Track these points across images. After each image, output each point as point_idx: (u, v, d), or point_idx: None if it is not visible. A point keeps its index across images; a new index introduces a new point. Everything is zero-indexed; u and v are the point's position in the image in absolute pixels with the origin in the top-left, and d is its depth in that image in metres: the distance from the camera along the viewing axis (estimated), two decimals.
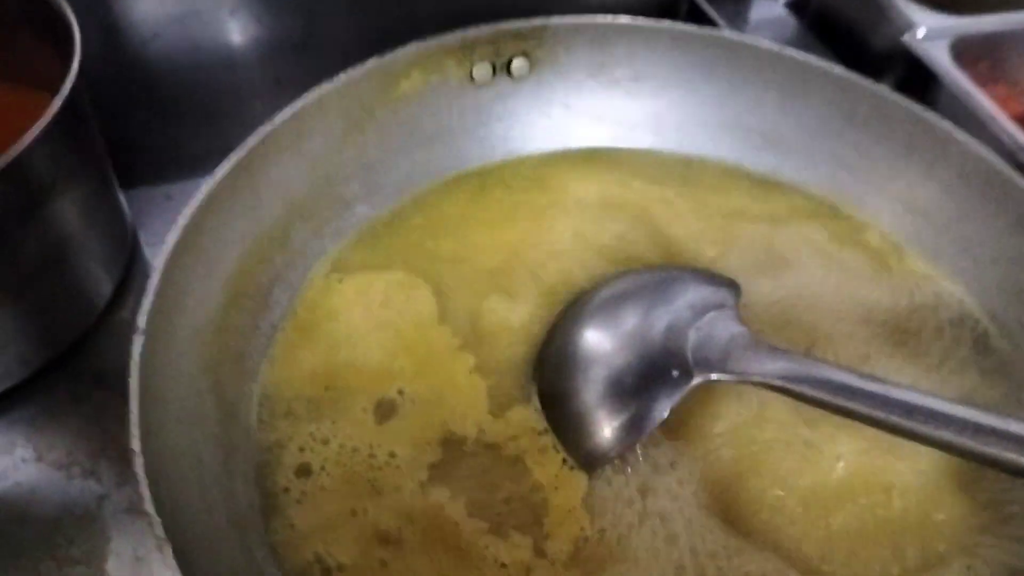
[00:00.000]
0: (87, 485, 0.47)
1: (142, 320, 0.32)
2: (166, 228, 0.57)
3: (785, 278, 0.45)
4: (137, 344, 0.31)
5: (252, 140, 0.40)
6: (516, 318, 0.42)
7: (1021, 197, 0.43)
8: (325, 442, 0.37)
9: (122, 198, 0.57)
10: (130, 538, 0.45)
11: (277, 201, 0.42)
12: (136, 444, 0.29)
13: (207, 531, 0.31)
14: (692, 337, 0.38)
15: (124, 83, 0.58)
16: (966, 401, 0.38)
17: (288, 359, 0.40)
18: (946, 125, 0.45)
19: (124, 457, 0.48)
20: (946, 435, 0.32)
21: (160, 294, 0.34)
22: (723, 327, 0.38)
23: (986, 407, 0.32)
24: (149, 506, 0.27)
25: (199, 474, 0.33)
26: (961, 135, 0.44)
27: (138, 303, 0.56)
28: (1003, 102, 0.70)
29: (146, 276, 0.57)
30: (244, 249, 0.40)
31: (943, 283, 0.45)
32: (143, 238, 0.59)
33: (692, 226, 0.47)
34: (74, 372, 0.51)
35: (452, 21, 0.51)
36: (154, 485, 0.28)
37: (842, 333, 0.42)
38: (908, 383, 0.39)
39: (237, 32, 0.59)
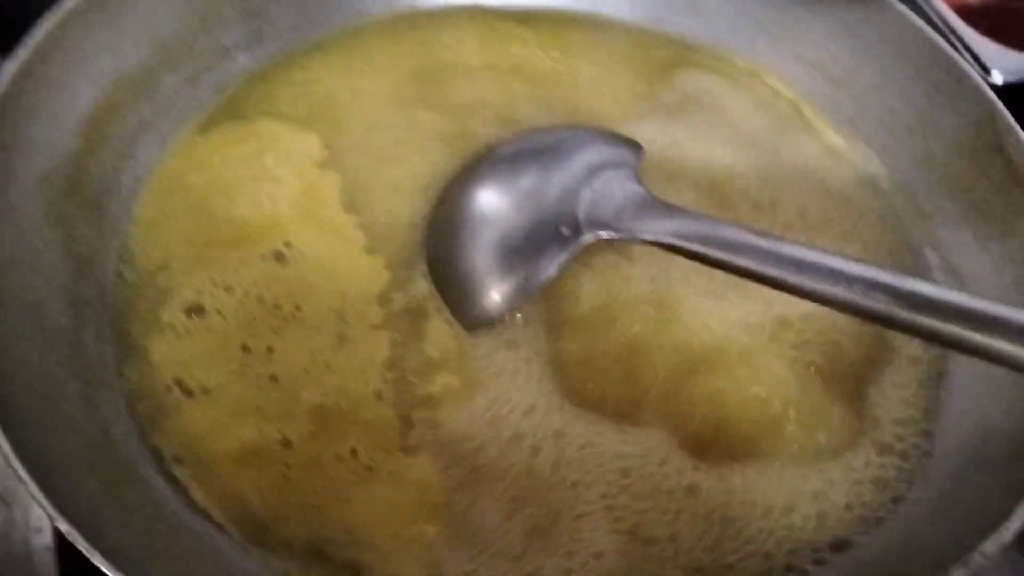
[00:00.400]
0: None
1: None
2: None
3: (688, 132, 0.43)
4: None
5: None
6: (408, 177, 0.39)
7: (939, 60, 0.41)
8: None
9: None
10: None
11: (143, 40, 0.38)
12: None
13: (46, 384, 0.29)
14: (586, 196, 0.36)
15: None
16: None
17: (157, 214, 0.37)
18: None
19: None
20: (839, 292, 0.30)
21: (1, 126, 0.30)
22: (619, 186, 0.36)
23: (880, 265, 0.31)
24: None
25: (39, 325, 0.30)
26: None
27: None
28: None
29: None
30: (103, 90, 0.36)
31: (853, 149, 0.43)
32: None
33: (599, 89, 0.44)
34: None
35: None
36: None
37: (748, 202, 0.40)
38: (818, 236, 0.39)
39: None
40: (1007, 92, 0.54)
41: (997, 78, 0.54)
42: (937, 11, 0.58)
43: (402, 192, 0.39)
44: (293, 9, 0.43)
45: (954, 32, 0.57)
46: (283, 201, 0.37)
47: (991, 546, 0.26)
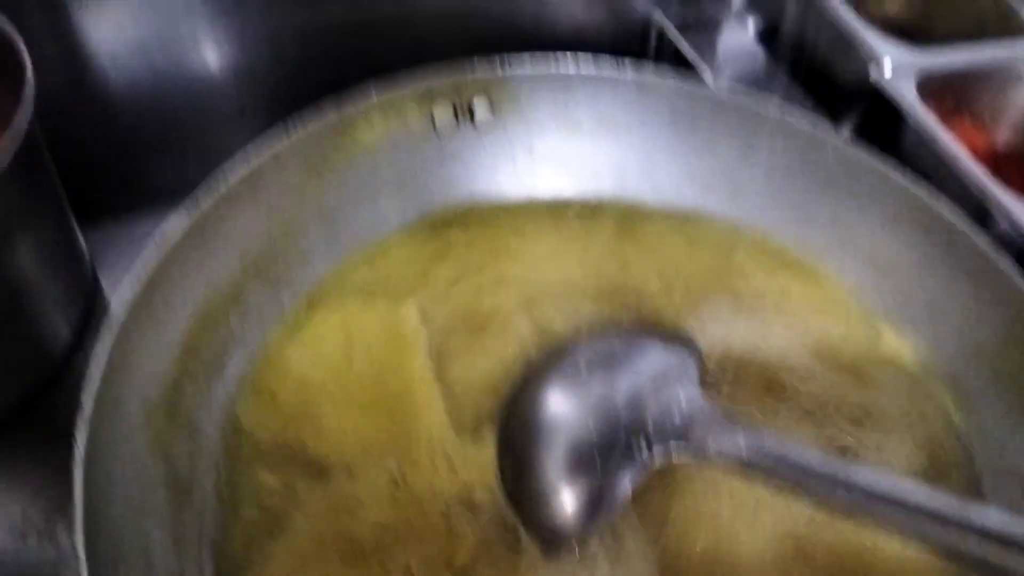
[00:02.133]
0: (43, 549, 0.45)
1: (88, 404, 0.31)
2: (127, 268, 0.56)
3: (747, 325, 0.45)
4: (81, 435, 0.30)
5: (205, 200, 0.38)
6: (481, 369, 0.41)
7: (978, 254, 0.43)
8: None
9: (81, 238, 0.55)
10: None
11: (232, 257, 0.40)
12: (81, 549, 0.28)
13: None
14: (653, 411, 0.37)
15: (81, 114, 0.56)
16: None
17: (249, 430, 0.39)
18: (908, 181, 0.45)
19: None
20: (910, 522, 0.31)
21: (107, 376, 0.32)
22: (684, 397, 0.38)
23: (949, 493, 0.32)
24: None
25: (147, 561, 0.32)
26: (923, 192, 0.44)
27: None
28: (968, 136, 0.70)
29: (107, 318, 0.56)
30: (197, 310, 0.39)
31: (903, 339, 0.45)
32: (103, 278, 0.57)
33: (655, 276, 0.47)
34: (31, 426, 0.49)
35: (414, 56, 0.50)
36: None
37: (805, 395, 0.42)
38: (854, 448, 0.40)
39: (200, 61, 0.57)
40: None
41: None
42: (969, 173, 0.61)
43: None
44: (365, 210, 0.46)
45: (986, 193, 0.59)
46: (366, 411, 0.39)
47: None
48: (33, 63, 0.41)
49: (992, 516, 0.30)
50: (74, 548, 0.44)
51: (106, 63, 0.55)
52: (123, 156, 0.59)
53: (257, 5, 0.54)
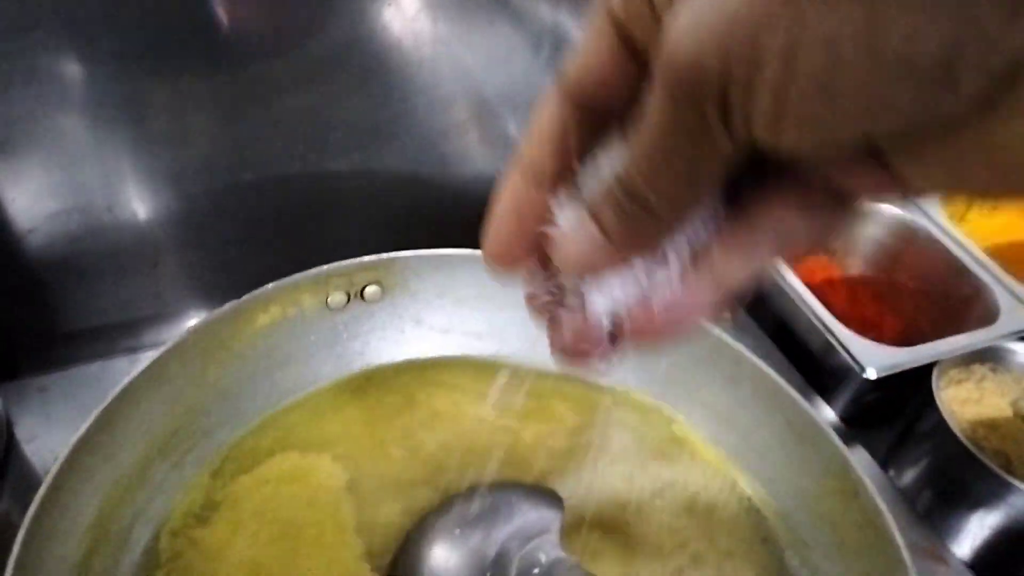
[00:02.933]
0: None
1: None
2: (42, 422, 0.59)
3: (608, 473, 0.51)
4: None
5: (111, 395, 0.43)
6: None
7: (797, 411, 0.50)
8: None
9: None
10: None
11: (138, 443, 0.45)
12: None
13: None
14: (517, 567, 0.43)
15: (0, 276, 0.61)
16: None
17: None
18: (738, 348, 0.52)
19: None
20: None
21: (20, 563, 0.37)
22: (544, 555, 0.43)
23: None
24: None
25: None
26: (749, 356, 0.51)
27: (13, 503, 0.58)
28: (824, 269, 0.79)
29: (22, 473, 0.59)
30: (103, 497, 0.43)
31: (744, 481, 0.51)
32: (18, 432, 0.60)
33: (530, 432, 0.52)
34: None
35: (325, 219, 0.55)
36: None
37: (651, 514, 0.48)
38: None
39: (115, 224, 0.62)
40: (881, 381, 0.64)
41: (871, 374, 0.64)
42: (815, 312, 0.69)
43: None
44: (263, 384, 0.51)
45: (831, 332, 0.67)
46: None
47: None
48: None
49: None
50: None
51: (24, 230, 0.60)
52: (38, 310, 0.64)
53: (168, 171, 0.60)
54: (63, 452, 0.41)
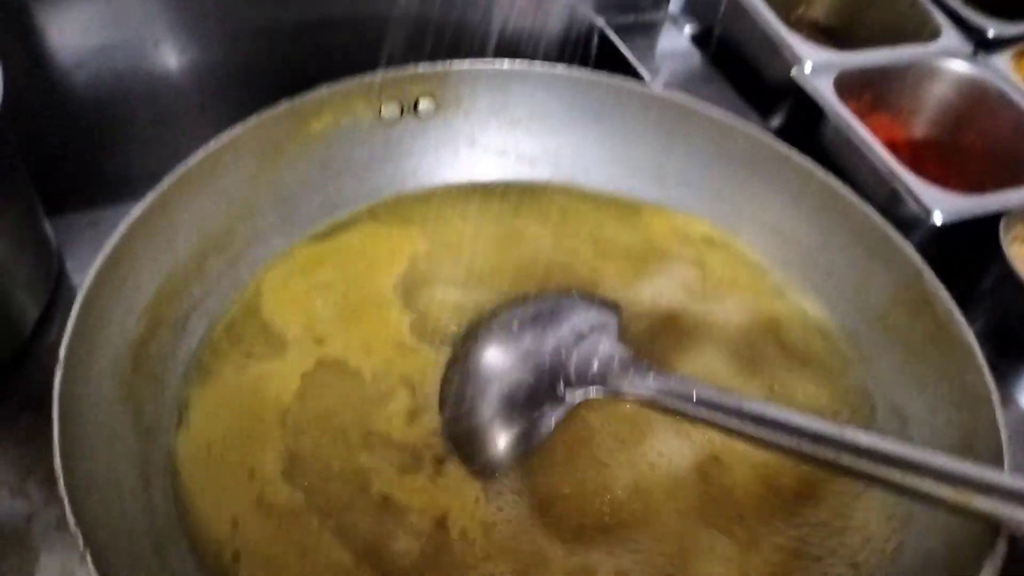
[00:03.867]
0: (15, 504, 0.49)
1: (62, 352, 0.35)
2: (91, 254, 0.60)
3: (664, 295, 0.49)
4: (58, 375, 0.34)
5: (167, 180, 0.43)
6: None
7: (869, 225, 0.48)
8: None
9: (47, 226, 0.59)
10: (59, 554, 0.47)
11: (193, 235, 0.45)
12: (58, 466, 0.32)
13: (126, 540, 0.34)
14: (575, 357, 0.42)
15: (48, 112, 0.61)
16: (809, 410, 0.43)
17: (208, 384, 0.43)
18: (807, 162, 0.50)
19: (52, 477, 0.50)
20: (792, 442, 0.37)
21: (79, 329, 0.37)
22: (602, 348, 0.43)
23: (824, 417, 0.37)
24: (71, 521, 0.30)
25: (118, 491, 0.36)
26: (820, 172, 0.49)
27: (64, 328, 0.59)
28: (884, 130, 0.76)
29: (71, 301, 0.60)
30: (161, 281, 0.43)
31: (805, 300, 0.50)
32: (69, 264, 0.61)
33: (585, 251, 0.51)
34: (1, 396, 0.53)
35: (364, 56, 0.54)
36: (76, 503, 0.31)
37: (711, 344, 0.47)
38: (769, 389, 0.45)
39: (161, 62, 0.61)
40: (947, 229, 0.62)
41: (937, 219, 0.62)
42: (881, 159, 0.66)
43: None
44: (318, 195, 0.50)
45: (897, 177, 0.65)
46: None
47: None
48: (3, 64, 0.45)
49: (862, 436, 0.36)
50: (44, 500, 0.48)
51: (70, 64, 0.59)
52: (87, 151, 0.63)
53: (214, 8, 0.59)
54: (120, 226, 0.40)
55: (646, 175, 0.54)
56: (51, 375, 0.57)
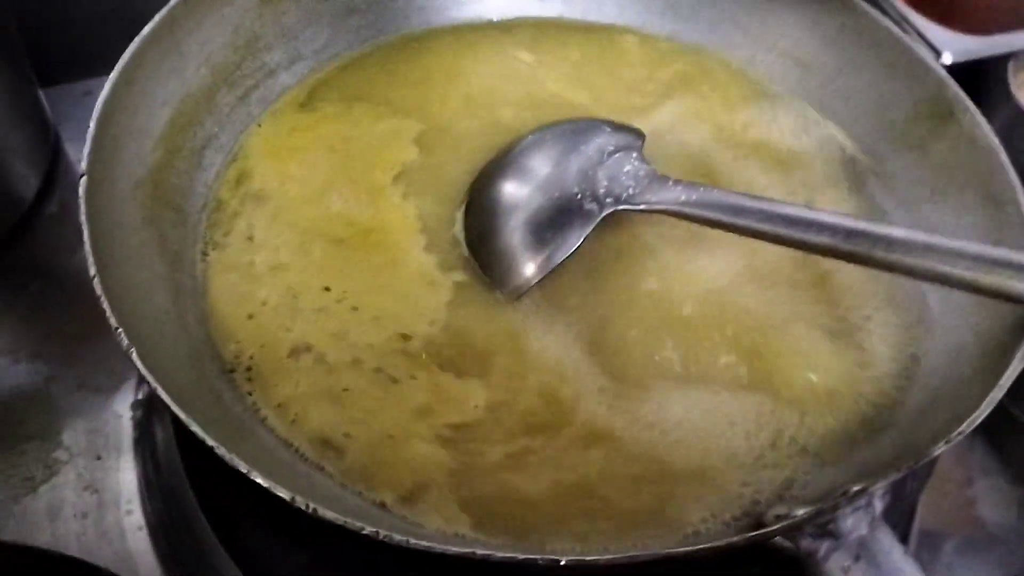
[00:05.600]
0: (35, 367, 0.48)
1: (83, 164, 0.34)
2: (86, 124, 0.58)
3: (682, 127, 0.49)
4: (83, 184, 0.33)
5: (172, 3, 0.41)
6: (442, 173, 0.45)
7: (894, 45, 0.47)
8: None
9: (42, 95, 0.57)
10: (82, 413, 0.47)
11: (202, 65, 0.43)
12: (93, 268, 0.31)
13: (165, 346, 0.34)
14: (601, 175, 0.42)
15: None
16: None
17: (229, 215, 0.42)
18: None
19: (70, 340, 0.50)
20: (826, 240, 0.36)
21: (97, 144, 0.35)
22: (629, 165, 0.42)
23: (854, 215, 0.37)
24: (111, 318, 0.29)
25: (152, 307, 0.35)
26: None
27: (65, 196, 0.57)
28: None
29: (70, 170, 0.58)
30: (174, 110, 0.41)
31: (824, 125, 0.49)
32: (64, 134, 0.59)
33: (600, 86, 0.50)
34: (8, 266, 0.52)
35: None
36: (114, 303, 0.30)
37: (736, 166, 0.47)
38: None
39: None
40: (955, 72, 0.61)
41: (947, 59, 0.61)
42: (891, 2, 0.65)
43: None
44: (325, 31, 0.49)
45: (906, 19, 0.64)
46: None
47: (967, 427, 0.32)
48: None
49: (896, 230, 0.36)
50: (63, 361, 0.48)
51: None
52: (79, 20, 0.61)
53: None
54: (131, 45, 0.39)
55: (658, 7, 0.53)
56: (55, 244, 0.56)
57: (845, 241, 0.36)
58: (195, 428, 0.27)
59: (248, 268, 0.39)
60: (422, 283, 0.40)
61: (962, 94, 0.44)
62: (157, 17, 0.40)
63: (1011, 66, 0.62)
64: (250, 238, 0.41)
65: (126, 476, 0.45)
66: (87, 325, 0.50)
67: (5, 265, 0.53)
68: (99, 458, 0.46)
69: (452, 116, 0.47)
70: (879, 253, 0.36)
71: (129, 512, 0.44)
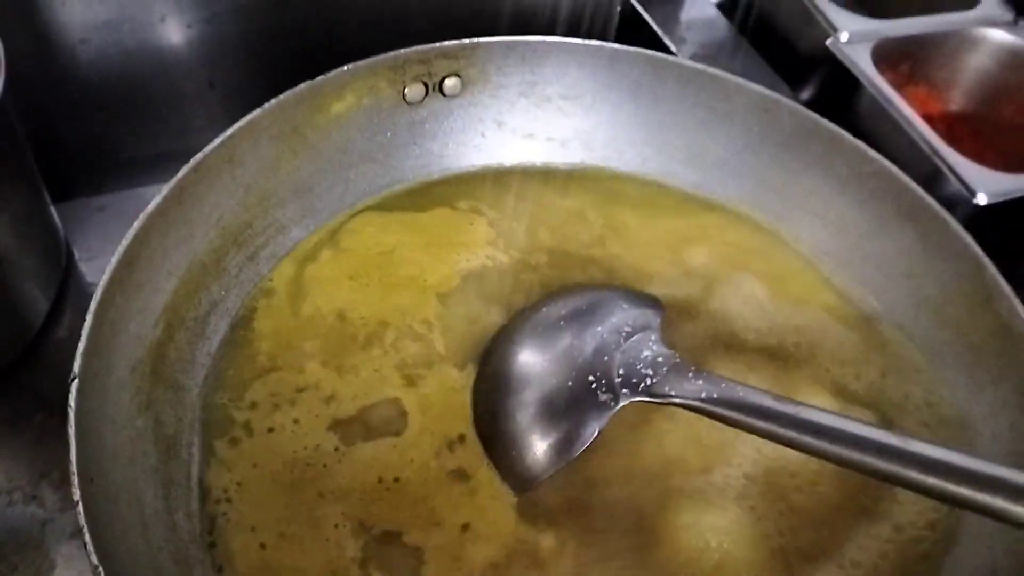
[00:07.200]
0: (29, 510, 0.47)
1: (76, 365, 0.33)
2: (100, 241, 0.57)
3: (707, 291, 0.47)
4: (73, 390, 0.32)
5: (183, 170, 0.40)
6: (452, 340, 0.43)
7: (927, 212, 0.45)
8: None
9: (54, 212, 0.56)
10: (75, 562, 0.45)
11: (212, 229, 0.42)
12: (77, 494, 0.29)
13: (150, 567, 0.32)
14: (619, 359, 0.40)
15: (53, 91, 0.58)
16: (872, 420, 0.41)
17: (230, 383, 0.40)
18: (859, 144, 0.47)
19: (67, 481, 0.48)
20: (853, 456, 0.34)
21: (94, 336, 0.34)
22: (647, 349, 0.40)
23: (888, 430, 0.35)
24: (93, 557, 0.28)
25: (140, 512, 0.33)
26: (873, 154, 0.47)
27: (75, 319, 0.56)
28: (922, 102, 0.73)
29: (81, 292, 0.57)
30: (179, 280, 0.40)
31: (854, 293, 0.47)
32: (77, 252, 0.58)
33: (621, 243, 0.49)
34: (12, 394, 0.51)
35: (384, 35, 0.51)
36: (96, 532, 0.29)
37: (762, 346, 0.44)
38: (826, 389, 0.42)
39: (169, 37, 0.58)
40: (992, 210, 0.59)
41: (982, 199, 0.59)
42: (921, 134, 0.63)
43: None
44: (339, 184, 0.48)
45: (938, 154, 0.62)
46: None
47: None
48: (4, 43, 0.42)
49: (930, 449, 0.33)
50: (59, 506, 0.46)
51: (76, 41, 0.56)
52: (94, 133, 0.61)
53: None
54: (135, 223, 0.38)
55: (682, 157, 0.52)
56: (63, 372, 0.54)
57: (876, 458, 0.34)
58: None
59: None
60: None
61: (1002, 281, 0.42)
62: (164, 190, 0.39)
63: None
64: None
65: None
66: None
67: (10, 393, 0.52)
68: None
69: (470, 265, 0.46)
70: (912, 475, 0.33)
71: None
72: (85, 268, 0.58)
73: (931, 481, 0.33)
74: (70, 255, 0.58)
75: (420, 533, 0.37)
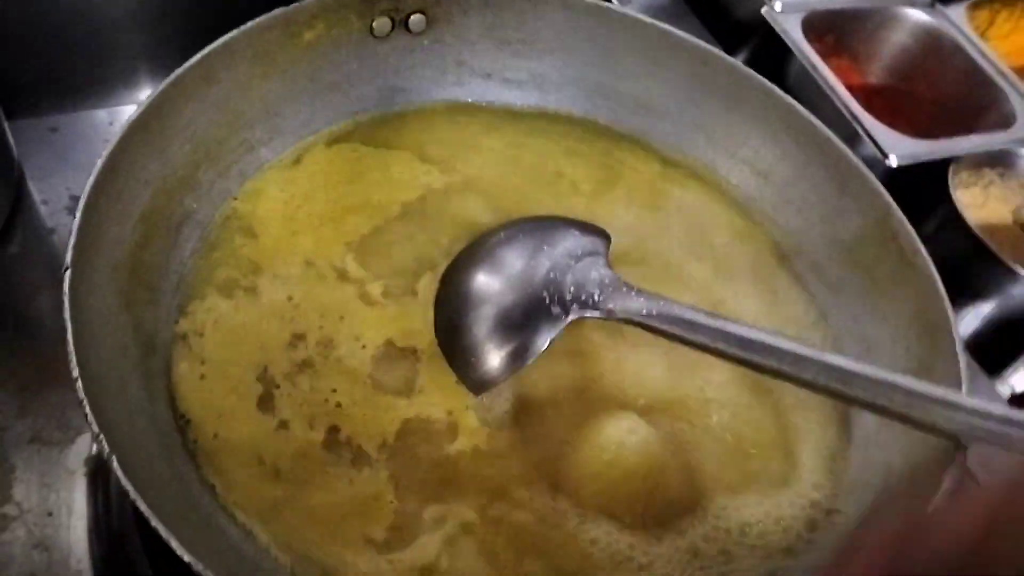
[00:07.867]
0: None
1: (68, 256, 0.35)
2: (52, 160, 0.57)
3: (646, 224, 0.51)
4: (67, 279, 0.34)
5: (163, 84, 0.42)
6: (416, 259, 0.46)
7: (845, 163, 0.50)
8: None
9: (8, 130, 0.56)
10: (35, 467, 0.47)
11: (186, 144, 0.44)
12: (75, 370, 0.31)
13: (141, 447, 0.34)
14: (570, 279, 0.44)
15: (5, 14, 0.58)
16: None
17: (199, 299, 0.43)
18: (788, 99, 0.51)
19: (24, 389, 0.49)
20: (775, 364, 0.40)
21: (82, 232, 0.36)
22: (595, 272, 0.44)
23: (801, 340, 0.40)
24: (93, 426, 0.30)
25: (125, 399, 0.36)
26: (801, 109, 0.51)
27: (27, 236, 0.57)
28: (845, 71, 0.79)
29: (33, 209, 0.58)
30: (155, 189, 0.42)
31: (776, 232, 0.52)
32: (28, 171, 0.59)
33: (565, 176, 0.52)
34: None
35: None
36: (95, 408, 0.31)
37: (692, 271, 0.49)
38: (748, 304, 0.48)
39: None
40: (901, 172, 0.65)
41: (893, 161, 0.65)
42: (843, 101, 0.69)
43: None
44: (305, 109, 0.50)
45: (857, 120, 0.68)
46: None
47: None
48: None
49: (841, 360, 0.38)
50: (16, 412, 0.47)
51: None
52: (46, 56, 0.60)
53: None
54: (118, 132, 0.39)
55: (628, 104, 0.55)
56: (15, 287, 0.55)
57: (793, 367, 0.39)
58: (174, 544, 0.29)
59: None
60: None
61: (906, 222, 0.47)
62: (147, 101, 0.40)
63: (951, 169, 0.67)
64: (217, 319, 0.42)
65: (77, 535, 0.45)
66: (43, 374, 0.50)
67: None
68: (50, 515, 0.46)
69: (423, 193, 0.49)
70: (822, 380, 0.39)
71: (79, 572, 0.44)
72: (35, 187, 0.58)
73: (837, 386, 0.38)
74: (22, 174, 0.58)
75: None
